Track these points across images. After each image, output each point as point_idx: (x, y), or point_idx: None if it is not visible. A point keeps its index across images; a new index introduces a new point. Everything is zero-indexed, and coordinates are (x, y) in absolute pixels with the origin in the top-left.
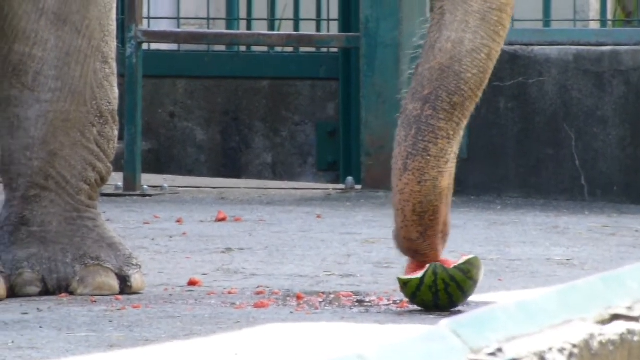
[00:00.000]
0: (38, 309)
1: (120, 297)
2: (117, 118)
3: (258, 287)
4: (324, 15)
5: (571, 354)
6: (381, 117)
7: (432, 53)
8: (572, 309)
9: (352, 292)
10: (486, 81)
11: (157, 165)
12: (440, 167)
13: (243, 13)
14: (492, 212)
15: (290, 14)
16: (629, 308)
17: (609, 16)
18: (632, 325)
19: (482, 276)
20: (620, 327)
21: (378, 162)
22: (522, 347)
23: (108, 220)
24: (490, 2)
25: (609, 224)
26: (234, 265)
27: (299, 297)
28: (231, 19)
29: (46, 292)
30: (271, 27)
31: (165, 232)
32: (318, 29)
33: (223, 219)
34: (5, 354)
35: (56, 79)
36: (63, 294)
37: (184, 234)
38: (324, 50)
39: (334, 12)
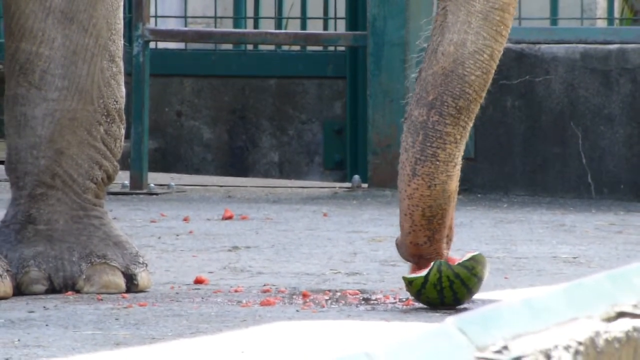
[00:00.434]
0: (44, 307)
1: (126, 295)
2: (124, 117)
3: (264, 285)
4: (331, 14)
5: (577, 352)
6: (388, 115)
7: (435, 57)
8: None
9: (358, 290)
10: (489, 82)
11: (163, 163)
12: (449, 171)
13: (250, 12)
14: (499, 210)
15: (297, 12)
16: (635, 306)
17: (616, 14)
18: (638, 323)
19: (487, 274)
20: (626, 324)
21: (385, 160)
22: (528, 344)
23: (115, 218)
24: (492, 2)
25: (615, 222)
26: (241, 264)
27: (305, 295)
28: (238, 18)
29: (52, 290)
30: (278, 25)
31: (171, 230)
32: (325, 27)
33: (230, 217)
34: (11, 352)
35: (63, 78)
36: (69, 292)
37: (191, 232)
38: (331, 48)
39: (341, 11)
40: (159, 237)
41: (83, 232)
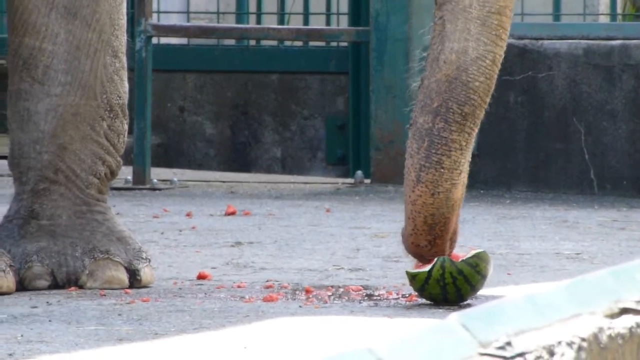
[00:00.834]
0: (47, 302)
1: (129, 290)
2: (127, 112)
3: (267, 281)
4: (334, 9)
5: (580, 348)
6: (391, 111)
7: (437, 65)
8: (581, 303)
9: (361, 286)
10: (493, 86)
11: (166, 159)
12: (453, 179)
13: (253, 7)
14: (502, 206)
15: (299, 8)
16: (638, 302)
17: (619, 10)
18: None
19: (491, 270)
20: (629, 320)
21: (387, 156)
22: (531, 341)
23: (118, 214)
24: (489, 6)
25: (618, 218)
26: (243, 259)
27: (308, 291)
28: (241, 13)
29: (55, 285)
30: (281, 21)
31: (174, 225)
32: (328, 23)
33: (232, 213)
34: (14, 347)
35: (66, 73)
36: (72, 288)
37: (194, 227)
38: (334, 44)
39: (344, 6)
40: (162, 233)
41: (86, 227)
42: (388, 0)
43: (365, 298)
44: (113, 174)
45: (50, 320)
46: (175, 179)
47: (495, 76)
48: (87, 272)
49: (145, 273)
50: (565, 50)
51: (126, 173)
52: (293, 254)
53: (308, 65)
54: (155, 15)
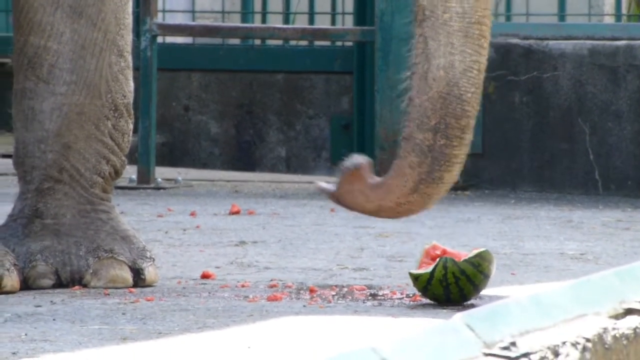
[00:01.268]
0: (51, 301)
1: (133, 289)
2: (132, 111)
3: (271, 280)
4: (339, 9)
5: (585, 348)
6: (395, 110)
7: (427, 84)
8: (585, 303)
9: (365, 285)
10: (480, 93)
11: (171, 158)
12: (447, 190)
13: (258, 6)
14: (506, 206)
15: (305, 7)
16: None
17: (624, 11)
18: None
19: (494, 270)
20: (634, 321)
21: (392, 155)
22: (536, 341)
23: (122, 213)
24: (469, 17)
25: (622, 219)
26: (248, 259)
27: (312, 291)
28: (246, 13)
29: (59, 284)
30: (286, 20)
31: (179, 225)
32: (333, 22)
33: (237, 212)
34: (18, 346)
35: (71, 72)
36: (76, 287)
37: (198, 227)
38: (339, 43)
39: (349, 6)
40: (166, 232)
41: (90, 226)
42: (393, 0)
43: (370, 298)
44: (117, 173)
45: (54, 319)
46: (179, 178)
47: (482, 83)
48: (91, 271)
49: (149, 272)
50: (570, 50)
51: (130, 172)
52: (297, 254)
53: (313, 64)
54: (160, 14)
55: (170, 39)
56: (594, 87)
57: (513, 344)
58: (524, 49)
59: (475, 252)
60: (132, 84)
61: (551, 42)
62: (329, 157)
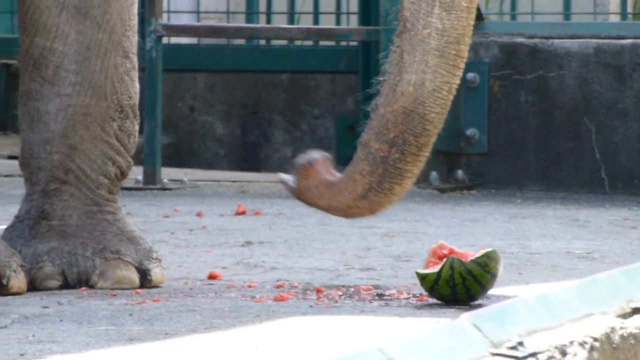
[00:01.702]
0: (58, 302)
1: (140, 290)
2: (137, 112)
3: (278, 280)
4: (344, 9)
5: (592, 348)
6: None
7: (394, 96)
8: (593, 303)
9: (371, 285)
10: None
11: (177, 159)
12: (395, 201)
13: (263, 7)
14: (513, 206)
15: (309, 7)
16: None
17: (629, 9)
18: None
19: (501, 270)
20: None
21: None
22: (543, 340)
23: (128, 214)
24: (447, 36)
25: (629, 217)
26: (254, 259)
27: (318, 291)
28: (251, 13)
29: (66, 285)
30: (291, 20)
31: (185, 225)
32: (338, 22)
33: (243, 213)
34: (26, 347)
35: (76, 73)
36: (83, 288)
37: (204, 227)
38: (344, 43)
39: (354, 6)
40: (173, 233)
41: (96, 227)
42: (398, 0)
43: (376, 298)
44: (123, 174)
45: (61, 320)
46: (185, 179)
47: (450, 104)
48: (98, 272)
49: (156, 273)
50: (576, 49)
51: (136, 173)
52: (304, 254)
53: (318, 64)
54: (165, 15)
55: (175, 40)
56: (600, 85)
57: (520, 343)
58: (530, 48)
59: (482, 252)
60: (137, 85)
61: (557, 41)
62: (334, 157)
